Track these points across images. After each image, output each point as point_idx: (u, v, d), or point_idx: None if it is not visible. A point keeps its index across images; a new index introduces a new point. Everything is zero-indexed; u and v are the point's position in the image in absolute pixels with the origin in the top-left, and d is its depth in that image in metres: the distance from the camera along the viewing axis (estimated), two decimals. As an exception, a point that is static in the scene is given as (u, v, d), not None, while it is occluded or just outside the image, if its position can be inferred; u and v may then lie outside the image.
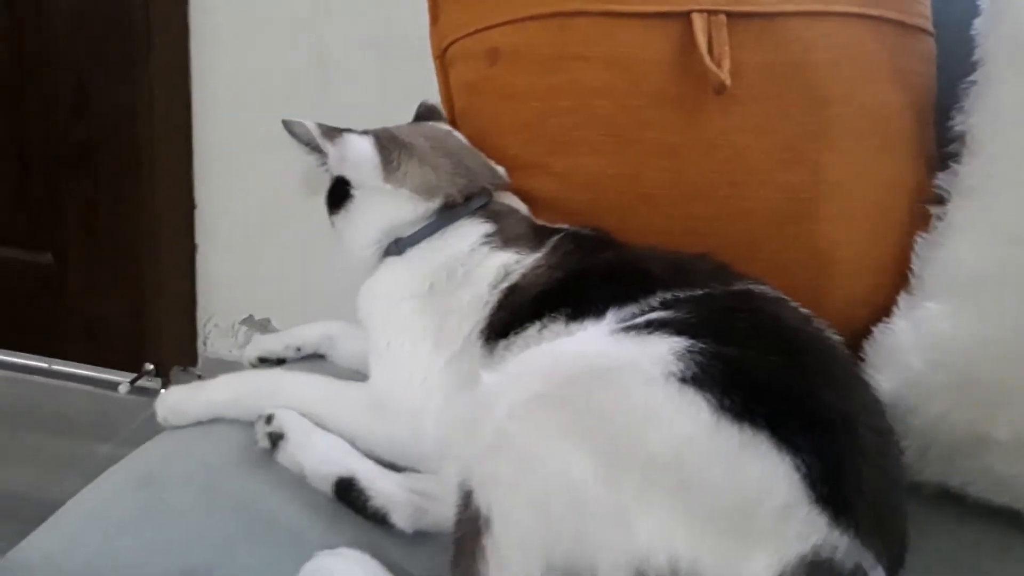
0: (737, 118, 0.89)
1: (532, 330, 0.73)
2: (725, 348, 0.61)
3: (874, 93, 0.91)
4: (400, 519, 0.70)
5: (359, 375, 0.84)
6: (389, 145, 0.86)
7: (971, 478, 0.79)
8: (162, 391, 0.84)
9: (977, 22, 0.89)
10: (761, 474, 0.55)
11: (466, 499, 0.61)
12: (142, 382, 1.90)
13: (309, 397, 0.79)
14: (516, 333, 0.73)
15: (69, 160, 1.79)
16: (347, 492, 0.71)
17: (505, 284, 0.79)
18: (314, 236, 1.69)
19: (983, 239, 0.81)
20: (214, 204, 1.79)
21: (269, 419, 0.76)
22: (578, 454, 0.57)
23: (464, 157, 0.89)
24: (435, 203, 0.85)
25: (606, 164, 0.92)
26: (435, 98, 1.31)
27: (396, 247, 0.86)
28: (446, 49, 1.02)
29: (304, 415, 0.77)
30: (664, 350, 0.61)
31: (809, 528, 0.55)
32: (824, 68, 0.90)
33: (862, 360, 0.83)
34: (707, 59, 0.87)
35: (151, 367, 1.90)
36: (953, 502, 0.80)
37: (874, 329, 0.85)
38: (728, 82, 0.86)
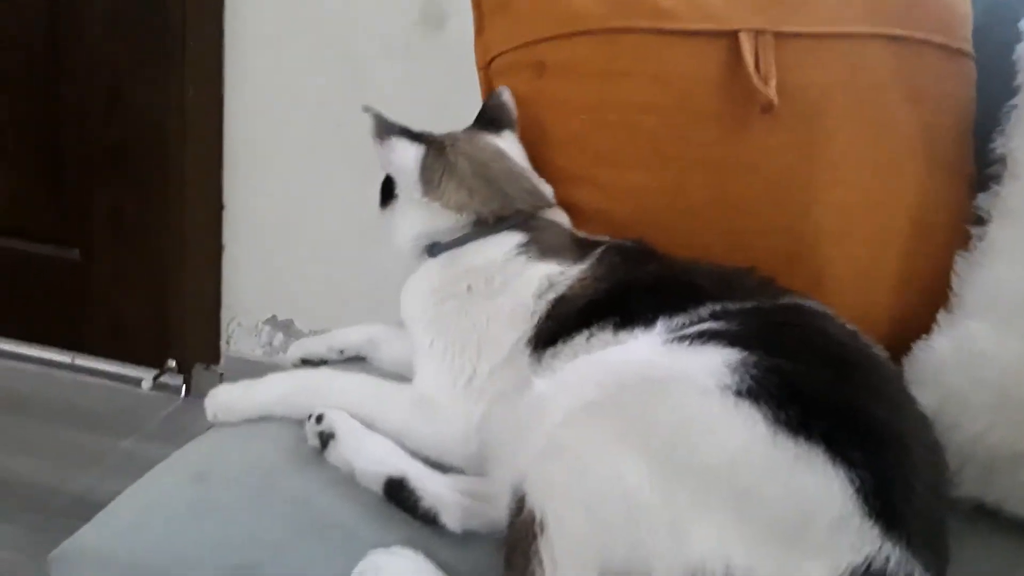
0: (781, 137, 0.91)
1: (580, 339, 0.74)
2: (778, 361, 0.62)
3: (917, 114, 0.93)
4: (450, 520, 0.71)
5: (401, 378, 0.85)
6: (433, 163, 0.87)
7: (1007, 495, 0.80)
8: (213, 389, 0.85)
9: (1019, 47, 0.91)
10: (816, 487, 0.57)
11: (519, 503, 0.62)
12: (165, 379, 1.93)
13: (357, 397, 0.80)
14: (563, 342, 0.75)
15: (101, 159, 1.81)
16: (397, 492, 0.72)
17: (552, 295, 0.80)
18: (339, 239, 1.75)
19: (1024, 260, 0.83)
20: (242, 205, 1.81)
21: (319, 419, 0.77)
22: (633, 461, 0.59)
23: (504, 183, 0.89)
24: (468, 218, 0.87)
25: (650, 178, 0.93)
26: (464, 104, 1.32)
27: (432, 250, 0.87)
28: (491, 61, 1.03)
29: (351, 415, 0.78)
30: (718, 362, 0.62)
31: (862, 540, 0.56)
32: (869, 90, 0.92)
33: (902, 375, 0.85)
34: (755, 78, 0.89)
35: (174, 364, 1.92)
36: (988, 518, 0.80)
37: (914, 346, 0.86)
38: (775, 101, 0.88)
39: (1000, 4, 0.98)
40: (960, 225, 0.91)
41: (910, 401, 0.68)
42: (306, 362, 0.96)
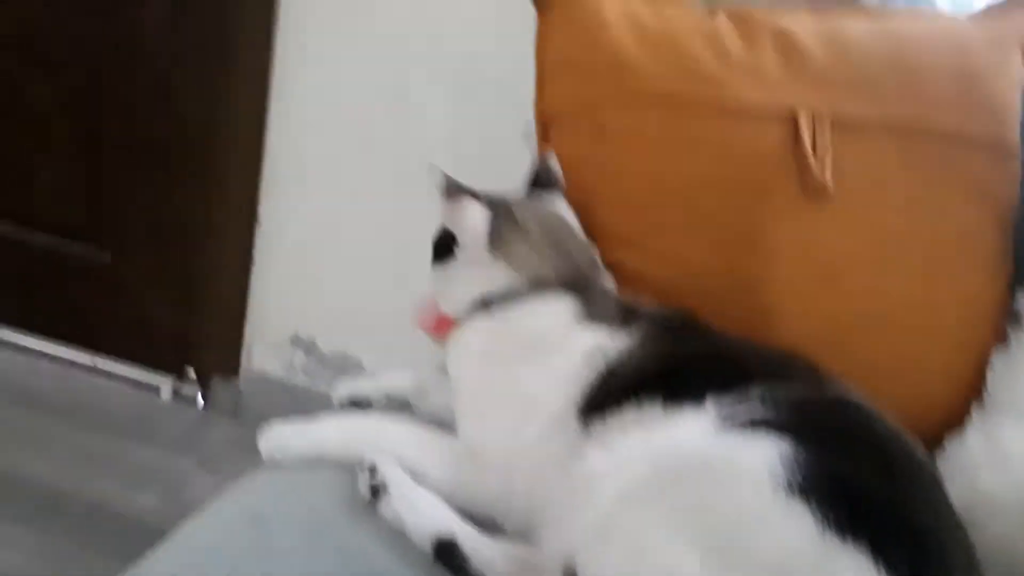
0: (834, 220, 0.93)
1: (629, 409, 0.76)
2: (827, 458, 0.64)
3: (965, 212, 0.95)
4: None
5: (448, 428, 0.87)
6: (503, 225, 0.90)
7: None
8: (266, 427, 0.87)
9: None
10: None
11: None
12: (183, 389, 1.93)
13: (408, 445, 0.82)
14: (612, 411, 0.76)
15: (142, 156, 1.80)
16: (446, 553, 0.74)
17: (601, 362, 0.82)
18: (370, 263, 1.76)
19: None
20: (277, 222, 1.81)
21: (372, 470, 0.79)
22: (687, 551, 0.61)
23: (572, 249, 0.92)
24: (528, 278, 0.89)
25: (700, 250, 0.96)
26: (507, 141, 1.34)
27: (485, 306, 0.89)
28: (552, 118, 1.06)
29: (401, 464, 0.80)
30: (772, 455, 0.64)
31: None
32: (921, 184, 0.94)
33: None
34: (812, 160, 0.91)
35: (193, 374, 1.92)
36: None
37: (946, 442, 0.88)
38: (830, 186, 0.90)
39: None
40: (1000, 323, 0.93)
41: (948, 505, 0.70)
42: (354, 402, 0.98)
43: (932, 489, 0.70)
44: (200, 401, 1.93)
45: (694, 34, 0.99)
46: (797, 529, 0.60)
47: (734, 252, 0.95)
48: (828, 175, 0.91)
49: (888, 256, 0.93)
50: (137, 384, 1.93)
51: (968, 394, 0.91)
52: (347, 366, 1.80)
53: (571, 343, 0.83)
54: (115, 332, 1.93)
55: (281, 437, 0.86)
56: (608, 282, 0.95)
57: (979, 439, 0.87)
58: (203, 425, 1.88)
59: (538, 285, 0.88)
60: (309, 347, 1.86)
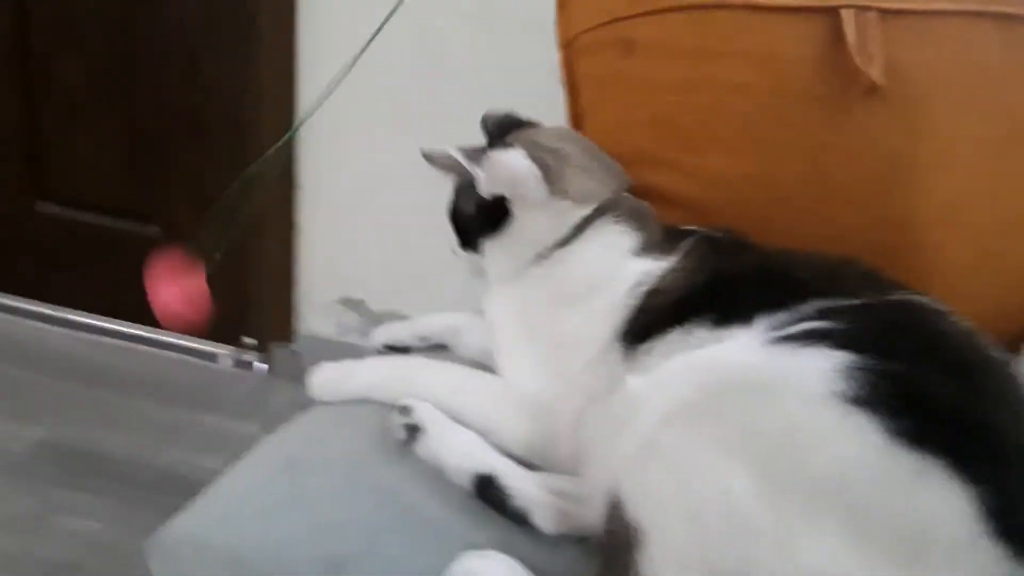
0: (887, 119, 0.86)
1: (676, 335, 0.71)
2: (893, 366, 0.58)
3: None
4: (542, 521, 0.70)
5: (486, 368, 0.83)
6: (542, 155, 0.82)
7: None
8: (315, 367, 0.86)
9: None
10: (936, 504, 0.53)
11: (615, 509, 0.60)
12: (243, 356, 1.97)
13: (447, 387, 0.79)
14: (658, 337, 0.72)
15: (178, 131, 1.81)
16: (487, 489, 0.72)
17: (644, 288, 0.77)
18: (413, 218, 1.70)
19: None
20: (317, 185, 1.80)
21: (405, 410, 0.77)
22: (738, 469, 0.56)
23: (609, 162, 0.86)
24: (590, 209, 0.82)
25: (741, 163, 0.90)
26: (540, 81, 1.28)
27: (545, 255, 0.83)
28: (574, 39, 1.00)
29: (440, 405, 0.77)
30: (827, 366, 0.58)
31: (985, 562, 0.52)
32: (978, 71, 0.86)
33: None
34: (857, 57, 0.84)
35: (252, 341, 1.95)
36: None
37: (1024, 345, 0.82)
38: (880, 82, 0.83)
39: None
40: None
41: None
42: (390, 348, 0.96)
43: (1013, 393, 0.64)
44: (261, 367, 1.95)
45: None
46: (859, 442, 0.55)
47: (778, 163, 0.89)
48: (876, 72, 0.84)
49: (947, 151, 0.86)
50: (197, 353, 1.98)
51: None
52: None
53: (620, 276, 0.78)
54: None
55: (328, 378, 0.85)
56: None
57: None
58: (264, 390, 1.92)
59: (602, 212, 0.82)
60: (359, 307, 1.87)
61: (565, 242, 0.82)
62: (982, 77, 0.87)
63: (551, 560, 0.67)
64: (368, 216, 1.79)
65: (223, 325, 1.88)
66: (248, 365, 1.98)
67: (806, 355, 0.60)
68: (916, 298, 0.70)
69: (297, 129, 1.44)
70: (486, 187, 0.82)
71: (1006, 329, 0.80)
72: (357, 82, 1.70)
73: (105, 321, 2.01)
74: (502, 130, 0.88)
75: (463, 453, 0.73)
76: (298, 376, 1.86)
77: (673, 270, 0.78)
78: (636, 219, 0.83)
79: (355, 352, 1.80)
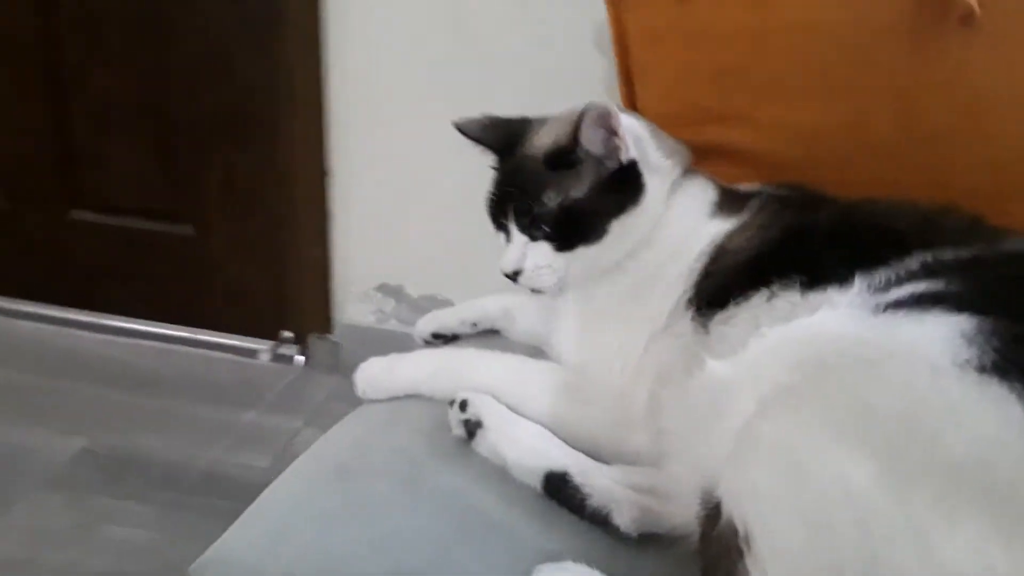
0: (983, 53, 0.77)
1: (758, 299, 0.63)
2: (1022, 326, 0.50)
3: None
4: (623, 521, 0.62)
5: (537, 352, 0.77)
6: (638, 120, 0.76)
7: None
8: (362, 364, 0.80)
9: None
10: None
11: (714, 511, 0.53)
12: (281, 349, 1.91)
13: (506, 377, 0.72)
14: (736, 304, 0.64)
15: (211, 128, 1.78)
16: (560, 488, 0.64)
17: (709, 248, 0.70)
18: (447, 202, 1.63)
19: None
20: (348, 172, 1.75)
21: (463, 405, 0.69)
22: (856, 460, 0.48)
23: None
24: (680, 170, 0.75)
25: (822, 112, 0.82)
26: (577, 68, 1.21)
27: None
28: (624, -11, 0.91)
29: (498, 397, 0.70)
30: (949, 332, 0.51)
31: None
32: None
33: None
34: None
35: (289, 335, 1.90)
36: None
37: None
38: (976, 10, 0.74)
39: None
40: None
41: None
42: (438, 336, 0.89)
43: None
44: (300, 359, 1.90)
45: None
46: (998, 415, 0.47)
47: (864, 107, 0.80)
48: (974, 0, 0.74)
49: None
50: (236, 350, 1.93)
51: None
52: (439, 307, 1.78)
53: (695, 238, 0.71)
54: (210, 304, 1.92)
55: (374, 375, 0.78)
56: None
57: None
58: (304, 383, 1.86)
59: (688, 172, 0.76)
60: (398, 293, 1.82)
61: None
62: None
63: (634, 566, 0.60)
64: (401, 200, 1.73)
65: (261, 319, 1.88)
66: (288, 359, 1.92)
67: (921, 321, 0.52)
68: None
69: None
70: (630, 151, 0.72)
71: None
72: (382, 63, 1.65)
73: (143, 324, 1.97)
74: (506, 134, 0.78)
75: (530, 449, 0.66)
76: (337, 367, 1.84)
77: (743, 227, 0.70)
78: (708, 178, 0.76)
79: (396, 339, 1.77)
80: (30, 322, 1.97)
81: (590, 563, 0.59)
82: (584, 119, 0.69)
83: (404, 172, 1.70)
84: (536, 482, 0.65)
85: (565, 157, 0.71)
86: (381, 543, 0.60)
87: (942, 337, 0.50)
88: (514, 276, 0.73)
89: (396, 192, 1.73)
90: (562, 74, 1.35)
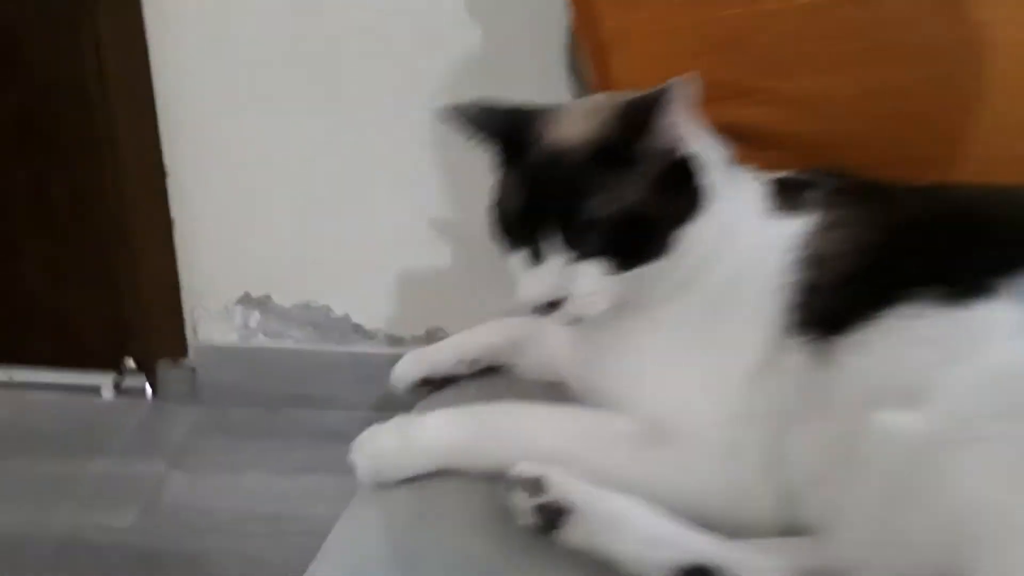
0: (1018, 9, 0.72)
1: (895, 320, 0.53)
2: None
3: None
4: None
5: (556, 391, 0.66)
6: None
7: None
8: (359, 438, 0.62)
9: None
10: None
11: None
12: (127, 382, 1.72)
13: (562, 437, 0.59)
14: (865, 327, 0.54)
15: (3, 137, 1.56)
16: None
17: (795, 257, 0.59)
18: (309, 198, 1.50)
19: None
20: (189, 170, 1.57)
21: (536, 486, 0.55)
22: None
23: None
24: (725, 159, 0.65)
25: (841, 82, 0.74)
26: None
27: None
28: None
29: (567, 467, 0.56)
30: None
31: None
32: None
33: None
34: None
35: (133, 364, 1.71)
36: None
37: None
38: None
39: None
40: None
41: None
42: (427, 382, 0.73)
43: None
44: (150, 391, 1.72)
45: None
46: None
47: (889, 74, 0.73)
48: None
49: None
50: (72, 388, 1.72)
51: None
52: (315, 315, 1.62)
53: (762, 241, 0.61)
54: (32, 338, 1.72)
55: (382, 450, 0.61)
56: None
57: None
58: (158, 418, 1.68)
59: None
60: (264, 305, 1.66)
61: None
62: None
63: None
64: (260, 199, 1.56)
65: (97, 349, 1.67)
66: (136, 392, 1.72)
67: None
68: None
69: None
70: (684, 147, 0.60)
71: None
72: (225, 47, 1.42)
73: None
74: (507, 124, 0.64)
75: (650, 538, 0.53)
76: (195, 396, 1.63)
77: (825, 228, 0.61)
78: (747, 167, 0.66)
79: (265, 358, 1.61)
80: None
81: None
82: (671, 102, 0.56)
83: (259, 167, 1.53)
84: None
85: (619, 152, 0.58)
86: None
87: None
88: (548, 306, 0.59)
89: (252, 190, 1.56)
90: (433, 55, 1.25)
